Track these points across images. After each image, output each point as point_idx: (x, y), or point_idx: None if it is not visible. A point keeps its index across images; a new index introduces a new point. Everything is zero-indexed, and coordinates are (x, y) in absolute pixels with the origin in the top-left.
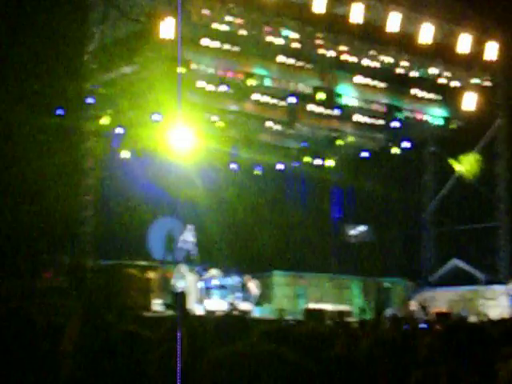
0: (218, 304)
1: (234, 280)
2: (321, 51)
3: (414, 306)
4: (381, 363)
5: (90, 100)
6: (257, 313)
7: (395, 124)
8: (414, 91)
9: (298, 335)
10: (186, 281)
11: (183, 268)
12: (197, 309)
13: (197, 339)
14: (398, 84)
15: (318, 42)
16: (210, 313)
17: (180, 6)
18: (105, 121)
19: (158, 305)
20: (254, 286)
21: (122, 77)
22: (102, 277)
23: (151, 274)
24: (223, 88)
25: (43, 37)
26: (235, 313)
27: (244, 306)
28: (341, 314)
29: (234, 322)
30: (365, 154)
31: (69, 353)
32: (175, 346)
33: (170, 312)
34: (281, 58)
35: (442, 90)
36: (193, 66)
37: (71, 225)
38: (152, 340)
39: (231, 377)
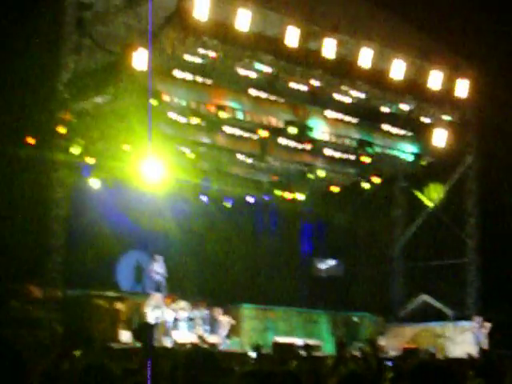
0: (185, 336)
1: (202, 313)
2: (293, 85)
3: (382, 341)
4: None
5: (61, 130)
6: (225, 346)
7: (366, 159)
8: (385, 127)
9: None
10: (161, 310)
11: (158, 297)
12: (164, 341)
13: (165, 374)
14: (370, 119)
15: (291, 75)
16: (179, 345)
17: (152, 37)
18: (75, 151)
19: (125, 336)
20: (226, 320)
21: (94, 107)
22: (70, 307)
23: (119, 305)
24: (195, 120)
25: (16, 65)
26: (204, 346)
27: (212, 339)
28: (309, 347)
29: (203, 356)
30: (335, 189)
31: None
32: (143, 381)
33: (138, 344)
34: (253, 92)
35: (413, 125)
36: (165, 97)
37: (40, 254)
38: (117, 374)
39: None
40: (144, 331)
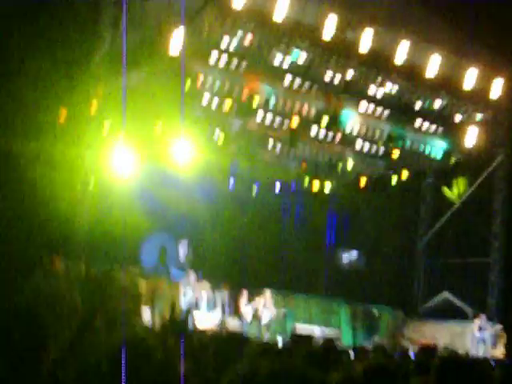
0: (206, 317)
1: (223, 295)
2: (328, 75)
3: (401, 336)
4: None
5: (94, 107)
6: (245, 331)
7: (395, 153)
8: (416, 122)
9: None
10: (192, 290)
11: (192, 277)
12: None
13: (193, 355)
14: (402, 113)
15: (326, 65)
16: (199, 328)
17: (189, 18)
18: (106, 128)
19: (147, 313)
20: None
21: (128, 85)
22: (94, 283)
23: (142, 283)
24: (228, 103)
25: (51, 39)
26: (224, 329)
27: (232, 322)
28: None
29: (229, 340)
30: (364, 181)
31: (60, 359)
32: (169, 356)
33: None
34: (288, 78)
35: (445, 122)
36: (199, 79)
37: (67, 228)
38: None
39: None
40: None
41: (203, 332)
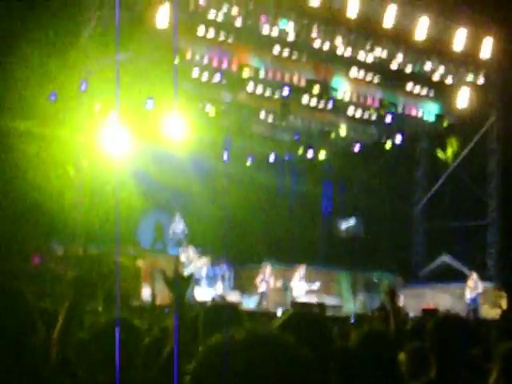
0: (206, 293)
1: (222, 270)
2: (317, 43)
3: (401, 301)
4: (374, 354)
5: (83, 87)
6: (245, 304)
7: (389, 119)
8: (408, 86)
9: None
10: (193, 265)
11: (191, 252)
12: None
13: (187, 328)
14: (393, 78)
15: (314, 34)
16: (198, 302)
17: None
18: (97, 107)
19: (146, 293)
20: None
21: (116, 64)
22: (91, 264)
23: (140, 263)
24: (217, 78)
25: (37, 19)
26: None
27: (232, 296)
28: (323, 307)
29: (226, 311)
30: (358, 148)
31: (58, 340)
32: (163, 336)
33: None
34: (276, 50)
35: (436, 86)
36: (188, 54)
37: (61, 212)
38: (141, 329)
39: (231, 362)
40: (179, 284)
41: (200, 304)
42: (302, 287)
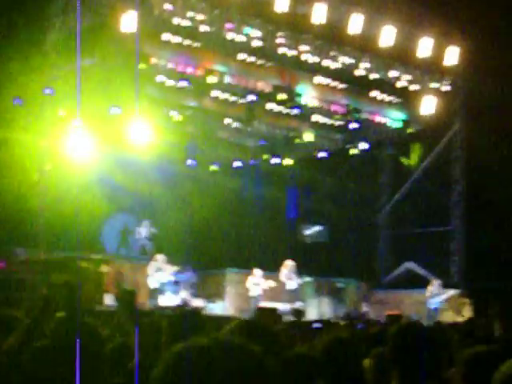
0: (170, 300)
1: (187, 276)
2: (282, 50)
3: (365, 306)
4: (339, 361)
5: (48, 91)
6: (210, 310)
7: (354, 125)
8: (373, 93)
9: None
10: (163, 273)
11: (160, 259)
12: (149, 304)
13: (149, 335)
14: (358, 85)
15: (280, 40)
16: (161, 308)
17: None
18: (62, 113)
19: (110, 299)
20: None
21: (82, 69)
22: (55, 270)
23: (104, 268)
24: (183, 83)
25: (1, 25)
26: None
27: (197, 302)
28: (298, 312)
29: (188, 316)
30: (322, 154)
31: (15, 348)
32: (125, 342)
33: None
34: (241, 56)
35: (401, 93)
36: (153, 60)
37: (24, 217)
38: (102, 335)
39: (193, 370)
40: (125, 299)
41: (163, 310)
42: (257, 288)
